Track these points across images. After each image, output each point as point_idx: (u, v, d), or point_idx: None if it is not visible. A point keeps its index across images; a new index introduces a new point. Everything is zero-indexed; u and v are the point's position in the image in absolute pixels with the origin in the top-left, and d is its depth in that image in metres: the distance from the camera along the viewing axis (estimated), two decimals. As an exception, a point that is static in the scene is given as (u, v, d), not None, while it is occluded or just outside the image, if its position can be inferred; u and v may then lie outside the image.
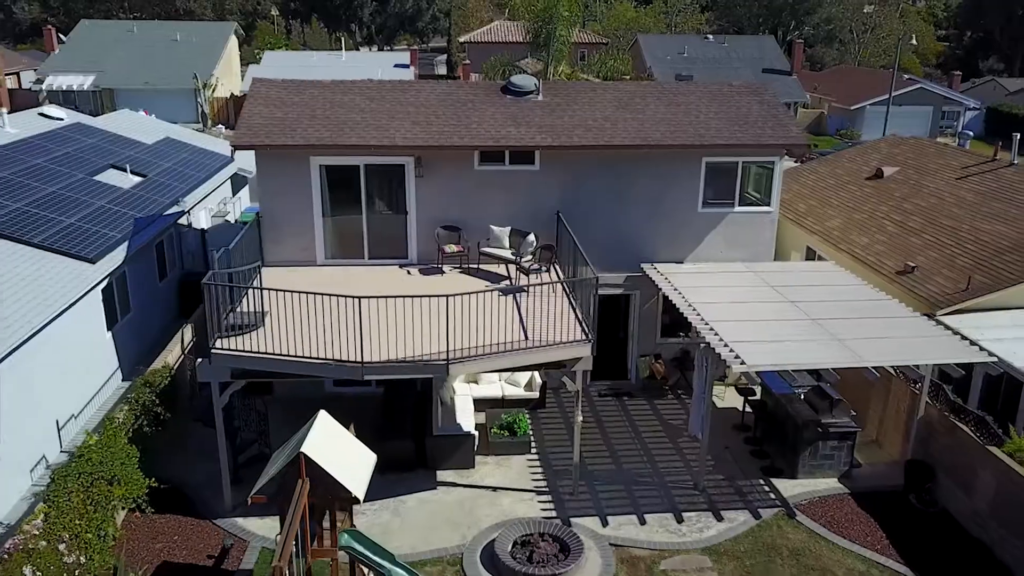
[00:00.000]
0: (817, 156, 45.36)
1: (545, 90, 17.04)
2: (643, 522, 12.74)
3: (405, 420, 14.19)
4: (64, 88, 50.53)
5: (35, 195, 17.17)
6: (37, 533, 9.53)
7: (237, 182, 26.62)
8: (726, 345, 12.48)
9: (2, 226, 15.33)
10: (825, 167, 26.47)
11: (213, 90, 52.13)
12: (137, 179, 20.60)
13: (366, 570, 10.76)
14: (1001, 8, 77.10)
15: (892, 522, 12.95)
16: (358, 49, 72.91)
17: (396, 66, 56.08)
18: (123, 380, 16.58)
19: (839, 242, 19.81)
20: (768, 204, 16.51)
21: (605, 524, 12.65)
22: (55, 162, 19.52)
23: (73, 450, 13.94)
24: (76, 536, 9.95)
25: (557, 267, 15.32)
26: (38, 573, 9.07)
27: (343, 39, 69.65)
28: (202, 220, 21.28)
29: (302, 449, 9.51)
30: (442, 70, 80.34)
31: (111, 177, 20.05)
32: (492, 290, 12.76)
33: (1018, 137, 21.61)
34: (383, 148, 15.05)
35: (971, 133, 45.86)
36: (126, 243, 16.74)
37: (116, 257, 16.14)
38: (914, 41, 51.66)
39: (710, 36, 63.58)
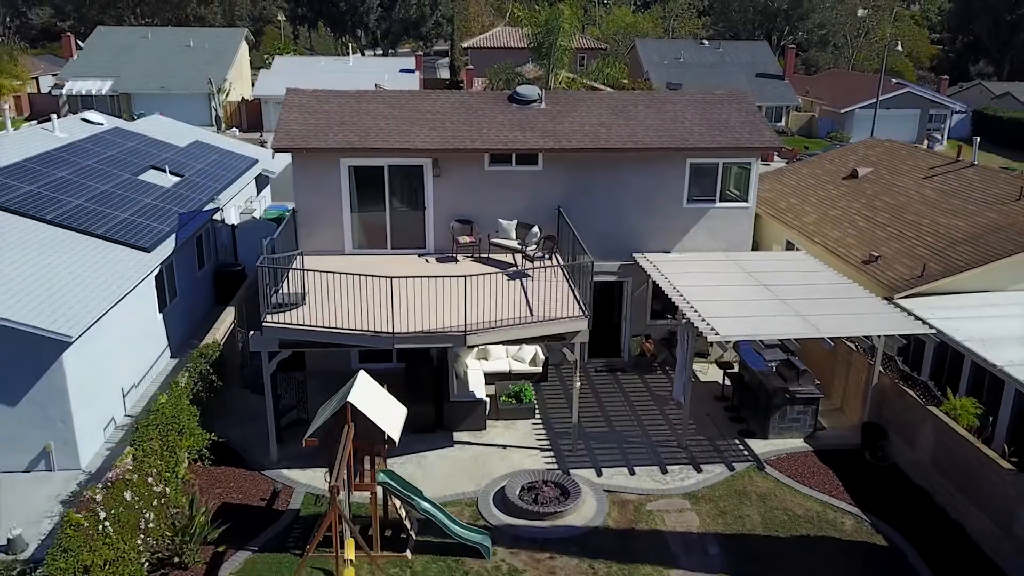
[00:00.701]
0: (806, 157, 47.52)
1: (547, 99, 19.13)
2: (632, 473, 14.81)
3: (425, 389, 16.23)
4: (83, 93, 52.64)
5: (91, 193, 19.24)
6: (130, 468, 11.58)
7: (261, 181, 28.69)
8: (704, 320, 14.55)
9: (69, 219, 17.40)
10: (807, 168, 28.56)
11: (227, 95, 54.20)
12: (175, 179, 22.67)
13: (398, 503, 12.85)
14: (988, 13, 79.26)
15: (848, 474, 15.01)
16: (363, 53, 75.05)
17: (402, 71, 58.16)
18: (171, 357, 18.65)
19: (814, 235, 21.90)
20: (746, 200, 18.60)
21: (599, 474, 14.72)
22: (103, 163, 21.59)
23: (136, 414, 16.06)
24: (158, 473, 12.00)
25: (558, 255, 17.38)
26: (136, 496, 11.12)
27: (350, 44, 71.83)
28: (232, 216, 23.37)
29: (348, 399, 11.56)
30: (444, 73, 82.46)
31: (152, 177, 22.11)
32: (502, 273, 14.83)
33: (978, 140, 23.68)
34: (404, 151, 17.13)
35: (940, 137, 47.68)
36: (173, 235, 18.81)
37: (166, 248, 18.21)
38: (899, 47, 53.66)
39: (705, 41, 65.70)
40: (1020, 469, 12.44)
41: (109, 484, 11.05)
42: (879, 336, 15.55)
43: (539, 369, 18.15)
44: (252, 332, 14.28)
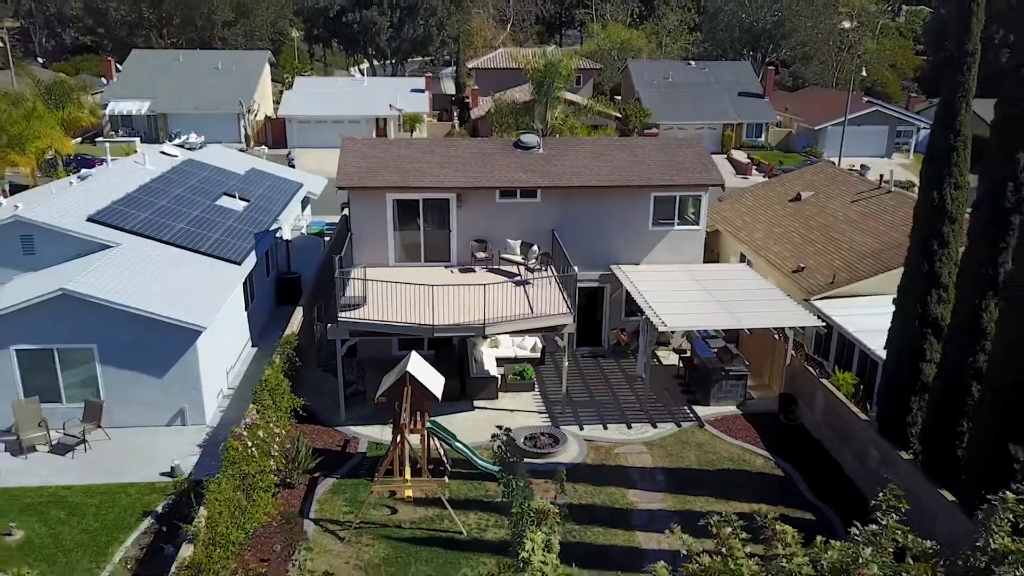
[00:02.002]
0: (781, 172, 52.87)
1: (544, 145, 24.60)
2: (605, 428, 20.27)
3: (452, 368, 21.66)
4: (124, 113, 58.06)
5: (188, 218, 24.68)
6: (256, 418, 17.00)
7: (303, 202, 34.12)
8: (657, 316, 20.00)
9: (179, 239, 22.86)
10: (764, 190, 33.99)
11: (256, 115, 59.59)
12: (244, 203, 28.10)
13: (438, 442, 18.30)
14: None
15: (765, 430, 20.46)
16: (374, 70, 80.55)
17: (412, 90, 63.54)
18: (252, 346, 24.10)
19: (760, 249, 27.37)
20: (697, 224, 24.04)
21: (581, 429, 20.18)
22: (188, 192, 27.03)
23: (234, 387, 21.51)
24: (275, 421, 17.43)
25: (552, 268, 22.81)
26: (264, 435, 16.55)
27: (363, 63, 77.39)
28: (287, 233, 28.86)
29: (407, 369, 16.99)
30: (448, 83, 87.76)
31: (226, 202, 27.55)
32: (509, 281, 20.27)
33: (893, 173, 29.10)
34: (435, 188, 22.59)
35: (869, 167, 52.21)
36: (253, 252, 24.26)
37: (250, 261, 23.67)
38: (864, 72, 59.07)
39: (692, 62, 71.07)
40: (880, 430, 17.88)
41: (247, 426, 16.49)
42: (790, 327, 21.01)
43: (537, 355, 23.59)
44: (329, 324, 19.74)
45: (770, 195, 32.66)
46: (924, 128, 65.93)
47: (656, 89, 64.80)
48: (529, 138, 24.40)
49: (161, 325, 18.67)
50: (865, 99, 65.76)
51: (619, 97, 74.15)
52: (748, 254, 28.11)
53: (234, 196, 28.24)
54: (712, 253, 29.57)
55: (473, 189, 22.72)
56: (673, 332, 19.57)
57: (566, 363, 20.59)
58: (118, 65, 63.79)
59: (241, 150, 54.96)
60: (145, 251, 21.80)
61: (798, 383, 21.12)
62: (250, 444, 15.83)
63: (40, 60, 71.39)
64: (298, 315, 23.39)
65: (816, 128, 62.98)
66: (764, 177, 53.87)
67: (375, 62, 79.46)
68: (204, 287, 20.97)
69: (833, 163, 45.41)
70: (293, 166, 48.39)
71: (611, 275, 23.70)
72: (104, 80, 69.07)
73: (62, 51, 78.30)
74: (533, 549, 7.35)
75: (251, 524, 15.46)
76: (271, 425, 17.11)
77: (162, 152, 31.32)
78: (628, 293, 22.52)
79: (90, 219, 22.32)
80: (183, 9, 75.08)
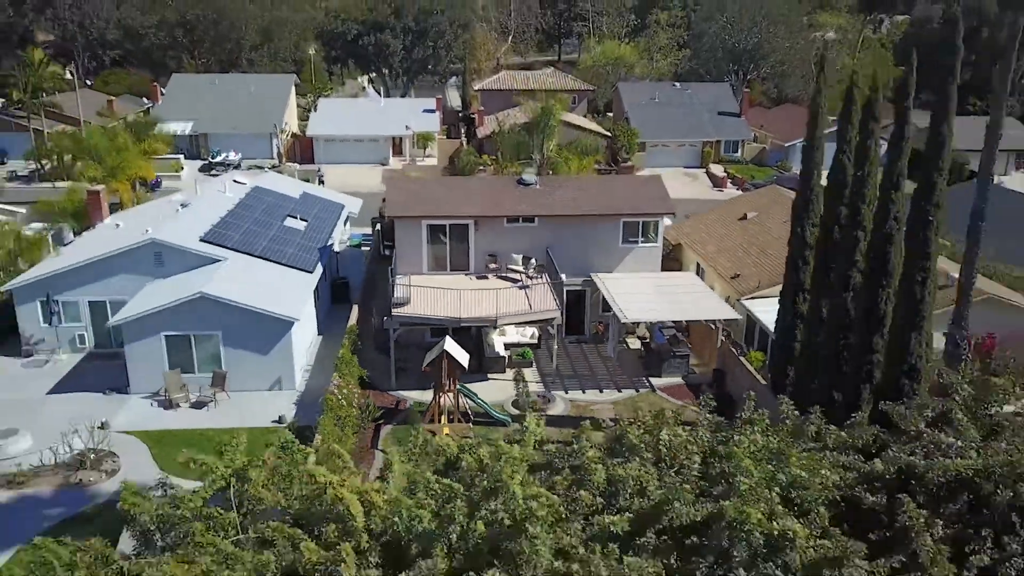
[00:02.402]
0: (751, 187, 60.49)
1: (541, 183, 32.36)
2: (584, 392, 28.08)
3: (471, 350, 29.36)
4: (172, 130, 65.61)
5: (267, 237, 32.42)
6: (340, 382, 24.74)
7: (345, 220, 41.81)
8: (621, 310, 27.76)
9: (265, 253, 30.62)
10: (719, 211, 41.68)
11: (287, 135, 67.27)
12: (304, 223, 35.82)
13: (466, 400, 26.09)
14: (927, 49, 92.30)
15: (699, 395, 28.18)
16: (387, 87, 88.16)
17: (424, 111, 71.13)
18: (318, 334, 31.84)
19: (711, 260, 35.11)
20: (656, 242, 31.77)
21: (567, 393, 27.99)
22: (262, 215, 34.75)
23: (311, 364, 29.28)
24: (349, 385, 25.17)
25: (546, 275, 30.52)
26: (348, 392, 24.29)
27: (381, 85, 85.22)
28: (336, 245, 36.61)
29: (445, 348, 24.73)
30: (453, 93, 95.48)
31: (291, 223, 35.27)
32: (514, 286, 28.03)
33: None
34: (458, 216, 30.33)
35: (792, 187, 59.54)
36: (319, 262, 32.00)
37: (318, 270, 31.42)
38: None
39: (677, 84, 78.69)
40: (771, 388, 25.60)
41: (336, 386, 24.25)
42: (719, 319, 28.78)
43: (535, 341, 31.33)
44: (385, 318, 27.53)
45: (724, 215, 40.40)
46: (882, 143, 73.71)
47: (643, 109, 72.30)
48: (529, 178, 32.19)
49: (267, 317, 26.45)
50: (832, 118, 73.29)
51: (611, 114, 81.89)
52: (702, 264, 35.89)
53: (296, 217, 35.96)
54: (676, 263, 37.39)
55: (486, 217, 30.48)
56: (635, 323, 27.25)
57: (555, 347, 28.38)
58: (162, 89, 71.35)
59: (274, 166, 62.71)
60: (243, 263, 29.56)
61: (726, 361, 28.90)
62: (340, 397, 23.59)
63: (88, 83, 78.95)
64: (355, 311, 31.14)
65: (787, 144, 70.61)
66: (738, 190, 61.55)
67: (387, 80, 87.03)
68: (289, 289, 28.74)
69: (779, 187, 52.96)
70: (323, 182, 56.17)
71: (591, 281, 31.43)
72: (146, 100, 76.95)
73: (100, 69, 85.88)
74: (533, 422, 14.82)
75: (345, 449, 23.19)
76: (350, 385, 24.89)
77: (235, 180, 39.01)
78: (602, 295, 30.26)
79: (201, 239, 30.07)
80: (213, 34, 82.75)
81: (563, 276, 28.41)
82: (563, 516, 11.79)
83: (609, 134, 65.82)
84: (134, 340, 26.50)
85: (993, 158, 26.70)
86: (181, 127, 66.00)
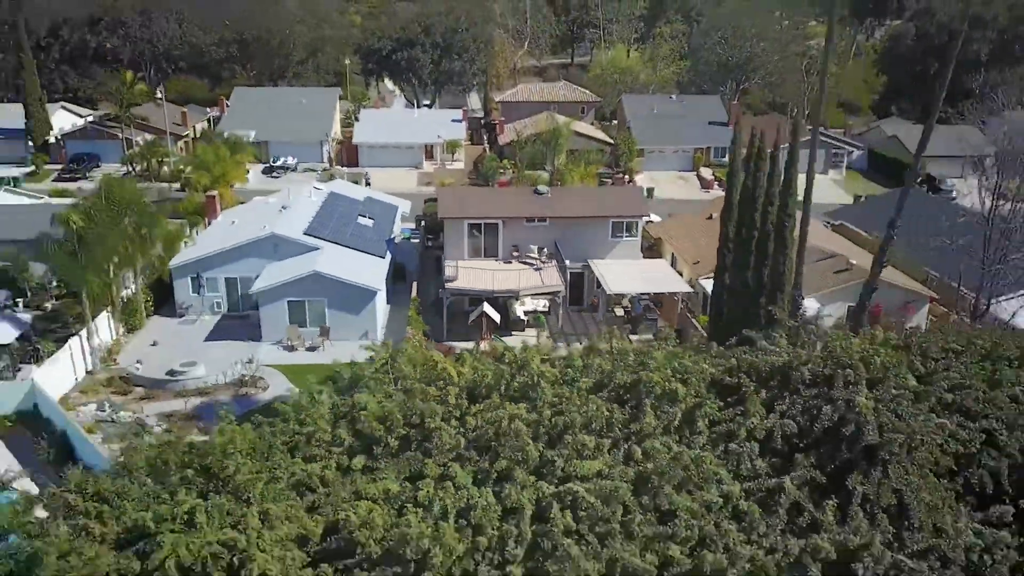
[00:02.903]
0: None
1: (551, 192, 43.89)
2: (581, 343, 39.60)
3: (500, 314, 40.89)
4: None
5: (348, 230, 44.03)
6: (411, 332, 36.31)
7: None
8: (608, 285, 39.26)
9: (350, 243, 42.26)
10: (692, 213, 52.99)
11: (334, 142, 78.94)
12: (371, 221, 47.41)
13: (500, 346, 37.80)
14: (903, 63, 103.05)
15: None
16: (417, 98, 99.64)
17: (453, 120, 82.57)
18: (387, 303, 43.47)
19: (681, 251, 46.50)
20: (636, 236, 43.21)
21: (568, 346, 39.53)
22: (341, 214, 46.35)
23: (386, 324, 41.02)
24: (419, 335, 36.73)
25: (555, 261, 42.00)
26: (417, 341, 35.86)
27: (413, 89, 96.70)
28: (396, 238, 48.21)
29: (484, 309, 36.28)
30: (475, 98, 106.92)
31: (363, 221, 46.88)
32: (531, 268, 39.63)
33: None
34: (490, 217, 41.88)
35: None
36: (387, 250, 43.61)
37: (387, 256, 43.06)
38: (794, 110, 77.47)
39: (673, 96, 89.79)
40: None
41: (410, 336, 35.85)
42: (678, 292, 40.21)
43: (546, 309, 42.82)
44: (440, 290, 39.18)
45: (695, 215, 51.76)
46: (859, 150, 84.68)
47: (644, 120, 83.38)
48: (542, 188, 43.71)
49: (360, 288, 38.10)
50: (809, 128, 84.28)
51: (616, 121, 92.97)
52: (676, 253, 47.27)
53: (365, 216, 47.56)
54: (656, 252, 48.74)
55: (511, 218, 42.00)
56: (619, 295, 38.61)
57: (561, 313, 39.93)
58: (227, 101, 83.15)
59: (324, 169, 74.41)
60: (336, 250, 41.20)
61: (684, 322, 40.32)
62: (414, 340, 35.18)
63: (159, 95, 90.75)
64: (415, 287, 42.73)
65: (768, 150, 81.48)
66: (723, 191, 72.64)
67: (417, 89, 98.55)
68: (370, 269, 40.40)
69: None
70: (369, 183, 67.70)
71: (588, 265, 42.87)
72: (208, 110, 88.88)
73: (163, 79, 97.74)
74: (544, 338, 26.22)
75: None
76: (418, 336, 36.49)
77: (315, 187, 50.63)
78: (596, 275, 41.72)
79: (304, 233, 41.72)
80: (265, 49, 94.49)
81: (567, 262, 39.85)
82: (560, 381, 23.29)
83: (612, 141, 77.05)
84: (266, 304, 38.25)
85: (916, 177, 37.62)
86: (245, 135, 77.64)
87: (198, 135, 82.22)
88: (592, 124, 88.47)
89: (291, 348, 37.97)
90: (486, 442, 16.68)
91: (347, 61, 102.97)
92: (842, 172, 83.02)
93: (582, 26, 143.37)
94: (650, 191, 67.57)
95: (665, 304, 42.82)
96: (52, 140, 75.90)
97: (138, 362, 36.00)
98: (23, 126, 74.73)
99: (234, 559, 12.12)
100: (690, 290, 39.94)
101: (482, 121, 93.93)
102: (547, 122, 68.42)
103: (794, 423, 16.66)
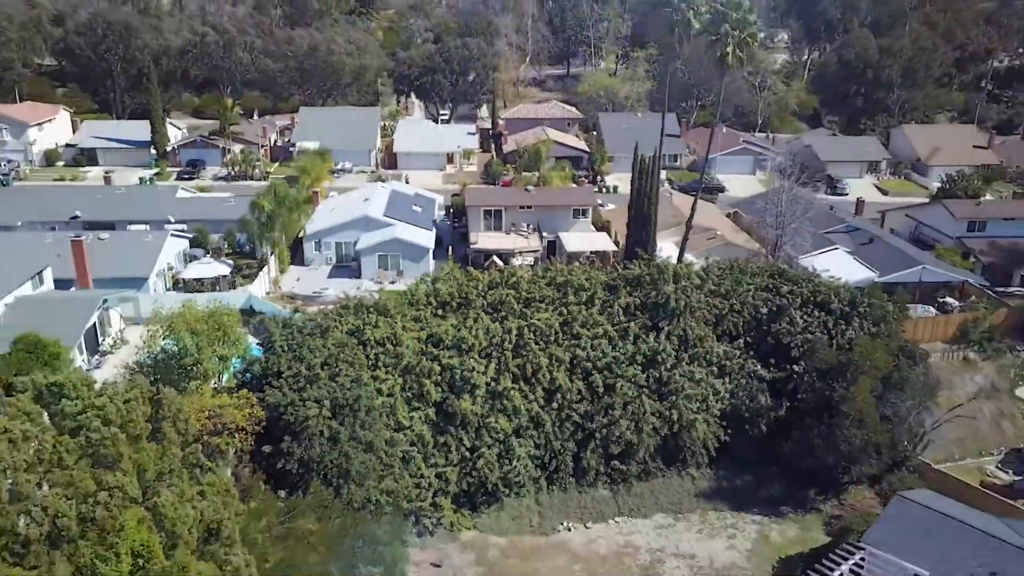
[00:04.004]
0: (678, 186, 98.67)
1: (536, 191, 71.45)
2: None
3: (504, 262, 68.24)
4: (307, 148, 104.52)
5: (408, 214, 71.49)
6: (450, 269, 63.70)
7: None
8: (567, 246, 66.70)
9: (411, 221, 69.70)
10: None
11: (381, 151, 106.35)
12: (420, 208, 74.79)
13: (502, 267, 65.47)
14: (828, 83, 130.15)
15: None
16: (437, 113, 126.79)
17: (468, 133, 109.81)
18: (433, 259, 70.87)
19: (619, 229, 73.90)
20: (588, 218, 70.63)
21: (544, 282, 67.28)
22: (400, 203, 73.72)
23: (434, 270, 68.85)
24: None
25: (538, 233, 69.34)
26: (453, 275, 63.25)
27: (434, 105, 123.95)
28: (437, 219, 75.79)
29: (493, 258, 63.65)
30: (484, 112, 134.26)
31: (415, 207, 74.26)
32: (521, 237, 67.18)
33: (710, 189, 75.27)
34: (497, 205, 69.45)
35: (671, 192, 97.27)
36: (434, 227, 71.08)
37: (432, 230, 70.55)
38: (724, 129, 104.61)
39: (639, 114, 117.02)
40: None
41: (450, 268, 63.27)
42: (608, 249, 67.64)
43: (532, 262, 70.14)
44: (468, 248, 66.69)
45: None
46: (781, 157, 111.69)
47: (614, 132, 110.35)
48: (531, 188, 71.11)
49: (419, 247, 65.84)
50: (742, 139, 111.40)
51: (595, 132, 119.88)
52: (616, 230, 74.62)
53: (417, 206, 74.89)
54: (608, 230, 75.96)
55: (510, 206, 69.49)
56: (576, 252, 65.81)
57: (540, 264, 67.39)
58: (295, 118, 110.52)
59: (372, 171, 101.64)
60: (403, 225, 68.63)
61: (615, 266, 67.73)
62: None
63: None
64: (451, 250, 70.13)
65: (709, 158, 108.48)
66: (672, 188, 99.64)
67: (437, 106, 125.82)
68: (424, 236, 67.98)
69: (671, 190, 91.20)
70: (408, 182, 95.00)
71: (557, 236, 70.14)
72: (277, 123, 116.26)
73: (238, 97, 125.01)
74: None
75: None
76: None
77: (381, 185, 77.92)
78: (561, 241, 69.07)
79: (383, 215, 69.14)
80: (319, 75, 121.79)
81: (544, 233, 67.14)
82: (531, 280, 50.95)
83: (588, 150, 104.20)
84: (364, 256, 65.74)
85: (702, 172, 64.91)
86: (312, 145, 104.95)
87: (272, 144, 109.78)
88: (577, 135, 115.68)
89: (379, 282, 65.19)
90: (496, 305, 45.41)
91: (382, 84, 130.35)
92: (765, 173, 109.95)
93: (576, 43, 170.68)
94: (615, 188, 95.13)
95: (602, 258, 70.00)
96: (169, 149, 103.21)
97: (297, 279, 63.53)
98: (149, 138, 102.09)
99: (389, 340, 40.45)
100: (615, 249, 67.05)
101: (490, 132, 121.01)
102: (539, 135, 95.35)
103: (638, 299, 45.78)
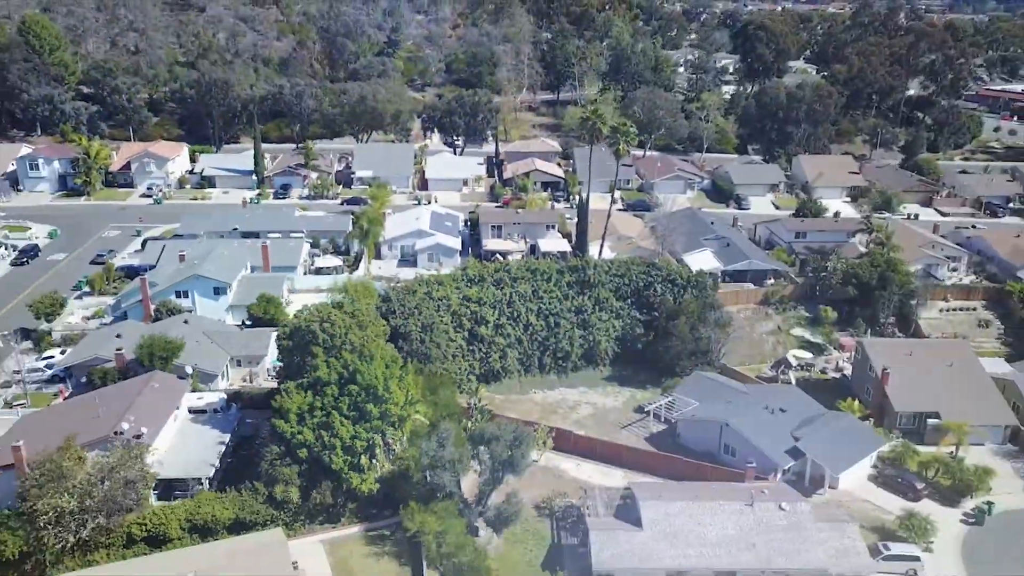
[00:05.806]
0: (627, 207, 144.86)
1: (523, 211, 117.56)
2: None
3: (503, 257, 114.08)
4: (364, 175, 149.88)
5: (444, 227, 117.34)
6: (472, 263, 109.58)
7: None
8: (541, 248, 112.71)
9: (445, 231, 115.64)
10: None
11: (417, 177, 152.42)
12: (450, 223, 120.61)
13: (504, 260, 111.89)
14: (752, 119, 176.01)
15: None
16: (454, 146, 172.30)
17: (478, 163, 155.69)
18: (460, 256, 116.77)
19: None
20: (555, 229, 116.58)
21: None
22: (438, 220, 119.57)
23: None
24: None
25: (523, 239, 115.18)
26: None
27: (451, 138, 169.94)
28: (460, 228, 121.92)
29: (498, 255, 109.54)
30: (490, 145, 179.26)
31: (447, 223, 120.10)
32: (513, 242, 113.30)
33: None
34: (499, 222, 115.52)
35: (624, 203, 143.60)
36: (459, 235, 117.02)
37: (459, 237, 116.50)
38: (659, 163, 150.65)
39: (604, 147, 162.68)
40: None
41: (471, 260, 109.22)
42: (566, 250, 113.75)
43: (520, 256, 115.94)
44: (482, 250, 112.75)
45: (594, 219, 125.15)
46: (706, 179, 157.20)
47: (583, 161, 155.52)
48: (519, 210, 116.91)
49: (451, 248, 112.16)
50: (677, 167, 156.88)
51: (570, 159, 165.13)
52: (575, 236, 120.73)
53: (449, 222, 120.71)
54: (567, 236, 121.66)
55: (507, 222, 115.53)
56: (546, 252, 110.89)
57: (524, 258, 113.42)
58: (353, 152, 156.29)
59: (410, 192, 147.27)
60: (441, 235, 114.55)
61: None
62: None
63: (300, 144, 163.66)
64: (469, 249, 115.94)
65: (652, 180, 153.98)
66: (624, 206, 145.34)
67: (453, 139, 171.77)
68: (453, 240, 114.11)
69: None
70: (437, 201, 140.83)
71: (535, 243, 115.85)
72: (335, 154, 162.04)
73: (304, 133, 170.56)
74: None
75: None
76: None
77: (424, 206, 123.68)
78: (539, 244, 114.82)
79: (429, 228, 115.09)
80: (364, 115, 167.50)
81: (527, 239, 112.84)
82: (521, 268, 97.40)
83: (564, 176, 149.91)
84: (420, 253, 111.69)
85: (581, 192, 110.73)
86: (368, 173, 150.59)
87: (333, 171, 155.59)
88: (559, 163, 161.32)
89: (427, 270, 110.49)
90: (498, 280, 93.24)
91: (413, 125, 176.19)
92: (694, 193, 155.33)
93: (564, 77, 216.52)
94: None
95: (562, 255, 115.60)
96: (266, 175, 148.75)
97: (379, 267, 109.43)
98: (252, 168, 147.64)
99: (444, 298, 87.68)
100: (570, 249, 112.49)
101: (494, 160, 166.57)
102: (529, 165, 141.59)
103: (574, 278, 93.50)
